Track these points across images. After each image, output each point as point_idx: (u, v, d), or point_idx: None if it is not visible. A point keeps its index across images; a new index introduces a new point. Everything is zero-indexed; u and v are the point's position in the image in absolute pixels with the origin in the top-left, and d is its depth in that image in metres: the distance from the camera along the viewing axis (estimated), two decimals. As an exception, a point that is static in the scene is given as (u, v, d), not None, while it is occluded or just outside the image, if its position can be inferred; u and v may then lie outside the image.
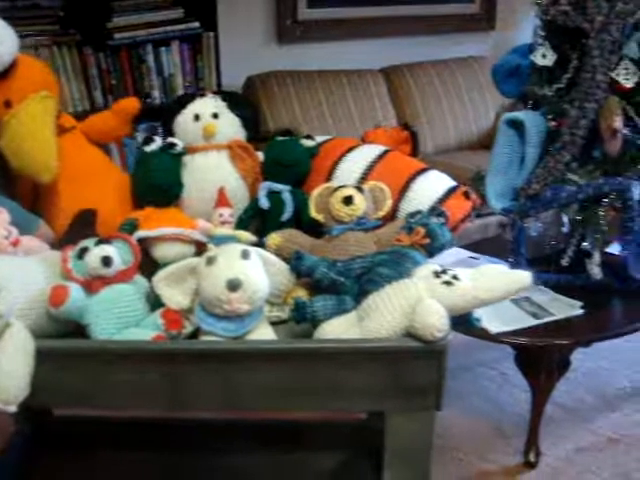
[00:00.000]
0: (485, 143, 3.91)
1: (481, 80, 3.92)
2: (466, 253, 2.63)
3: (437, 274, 1.19)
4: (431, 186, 1.52)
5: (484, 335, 2.16)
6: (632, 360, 2.91)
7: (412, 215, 1.39)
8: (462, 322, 1.24)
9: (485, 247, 2.68)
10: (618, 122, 2.10)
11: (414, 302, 1.15)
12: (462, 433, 2.52)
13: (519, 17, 4.10)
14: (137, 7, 3.30)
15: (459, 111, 3.91)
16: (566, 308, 2.25)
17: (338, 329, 1.21)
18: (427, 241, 1.32)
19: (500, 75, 2.40)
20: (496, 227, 2.73)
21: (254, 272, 1.22)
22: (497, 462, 2.38)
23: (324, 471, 1.83)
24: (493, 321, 2.17)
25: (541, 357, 2.23)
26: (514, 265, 2.37)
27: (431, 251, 1.34)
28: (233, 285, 1.18)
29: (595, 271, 2.23)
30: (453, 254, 2.65)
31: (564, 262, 2.31)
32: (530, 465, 2.35)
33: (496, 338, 2.17)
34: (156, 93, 3.38)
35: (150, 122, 2.64)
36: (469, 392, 2.74)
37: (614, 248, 2.53)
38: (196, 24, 3.40)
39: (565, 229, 2.38)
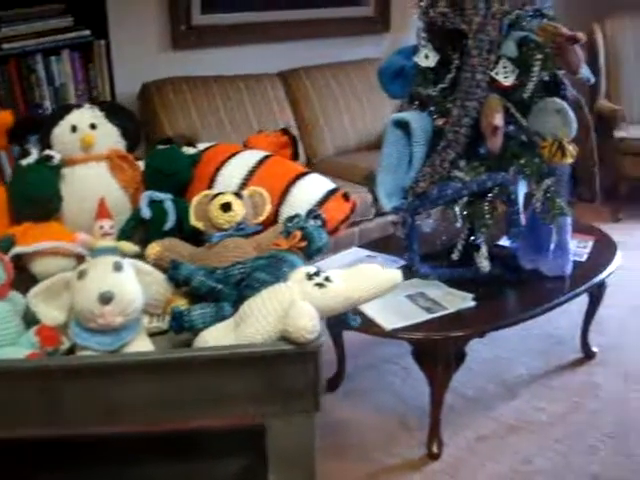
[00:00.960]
0: (381, 143, 3.98)
1: (376, 81, 3.97)
2: (364, 252, 2.68)
3: (310, 276, 1.20)
4: (310, 189, 1.54)
5: (381, 332, 2.20)
6: (527, 348, 3.01)
7: (290, 219, 1.41)
8: (339, 323, 1.26)
9: (382, 245, 2.73)
10: (498, 119, 2.17)
11: (287, 306, 1.16)
12: (368, 430, 2.55)
13: (412, 19, 4.17)
14: (26, 16, 3.20)
15: (357, 112, 3.96)
16: (459, 301, 2.32)
17: (216, 336, 1.21)
18: (304, 244, 1.34)
19: (386, 77, 2.45)
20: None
21: (127, 284, 1.21)
22: (402, 456, 2.42)
23: (225, 478, 1.83)
24: (388, 318, 2.22)
25: (437, 350, 2.29)
26: (408, 261, 2.43)
27: (309, 254, 1.36)
28: (105, 298, 1.17)
29: (483, 264, 2.30)
30: (352, 253, 2.69)
31: (454, 256, 2.37)
32: (433, 456, 2.40)
33: (392, 334, 2.21)
34: (47, 103, 3.29)
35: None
36: (374, 389, 2.78)
37: (505, 241, 2.62)
38: (87, 32, 3.33)
39: (457, 224, 2.44)
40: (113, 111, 1.68)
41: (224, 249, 1.40)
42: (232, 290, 1.30)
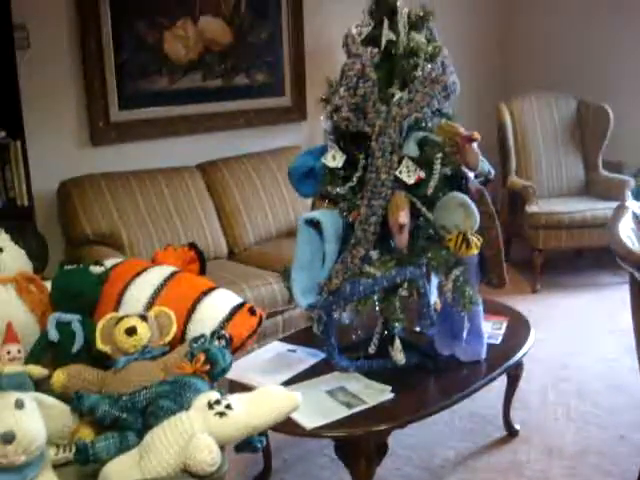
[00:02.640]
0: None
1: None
2: (284, 346, 2.71)
3: (211, 405, 1.22)
4: (216, 306, 1.58)
5: (301, 432, 2.21)
6: (453, 429, 3.05)
7: (196, 340, 1.44)
8: (244, 445, 1.28)
9: (302, 338, 2.76)
10: (403, 217, 2.25)
11: (189, 437, 1.18)
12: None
13: (321, 107, 4.31)
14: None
15: (277, 201, 4.04)
16: (378, 394, 2.35)
17: (120, 470, 1.22)
18: (207, 368, 1.36)
19: (296, 177, 2.52)
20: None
21: (28, 422, 1.22)
22: None
23: None
24: (309, 416, 2.23)
25: (359, 446, 2.30)
26: (328, 354, 2.46)
27: (213, 376, 1.38)
28: (7, 439, 1.17)
29: (398, 357, 2.35)
30: (272, 348, 2.71)
31: (371, 350, 2.42)
32: None
33: (314, 433, 2.22)
34: (-37, 207, 3.27)
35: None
36: (304, 483, 2.77)
37: (423, 328, 2.68)
38: (2, 134, 3.34)
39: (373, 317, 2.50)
40: (19, 233, 1.70)
41: (130, 374, 1.41)
42: (137, 417, 1.31)
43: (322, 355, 2.56)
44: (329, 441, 2.59)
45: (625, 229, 2.29)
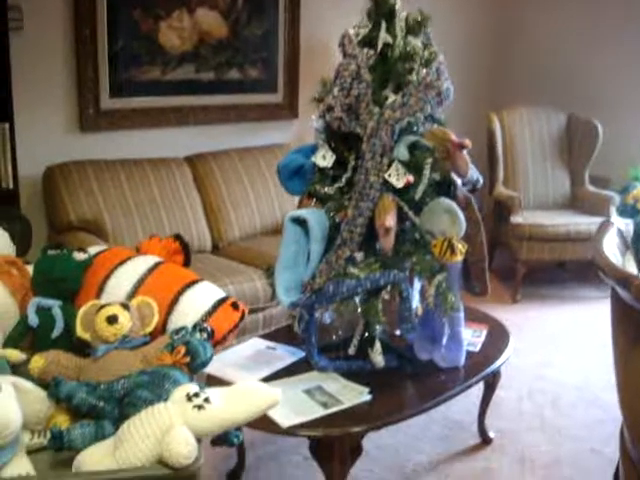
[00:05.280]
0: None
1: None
2: (264, 343, 2.70)
3: (190, 397, 1.22)
4: (199, 299, 1.57)
5: (277, 430, 2.21)
6: (428, 433, 3.06)
7: (177, 332, 1.43)
8: (221, 439, 1.28)
9: (282, 336, 2.75)
10: (389, 221, 2.26)
11: (166, 429, 1.17)
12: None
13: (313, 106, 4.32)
14: None
15: (263, 197, 4.03)
16: (355, 395, 2.35)
17: (95, 459, 1.21)
18: (187, 360, 1.35)
19: (285, 174, 2.52)
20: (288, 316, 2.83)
21: (4, 406, 1.20)
22: None
23: None
24: (285, 413, 2.23)
25: (333, 446, 2.30)
26: (307, 353, 2.46)
27: (193, 368, 1.38)
28: (-20, 422, 1.15)
29: (377, 359, 2.36)
30: (251, 345, 2.71)
31: (351, 351, 2.42)
32: None
33: (289, 432, 2.22)
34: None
35: None
36: (274, 481, 2.76)
37: (401, 332, 2.68)
38: (-10, 115, 3.31)
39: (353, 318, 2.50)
40: (3, 215, 1.68)
41: (109, 363, 1.40)
42: (114, 407, 1.30)
43: (301, 354, 2.56)
44: (304, 440, 2.59)
45: (610, 245, 2.30)
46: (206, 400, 1.21)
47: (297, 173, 2.50)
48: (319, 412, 2.26)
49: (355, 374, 2.46)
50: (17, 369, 1.49)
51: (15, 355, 1.51)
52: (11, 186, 3.35)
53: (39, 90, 3.60)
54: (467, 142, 2.34)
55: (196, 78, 4.06)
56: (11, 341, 1.58)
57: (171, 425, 1.16)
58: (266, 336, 2.80)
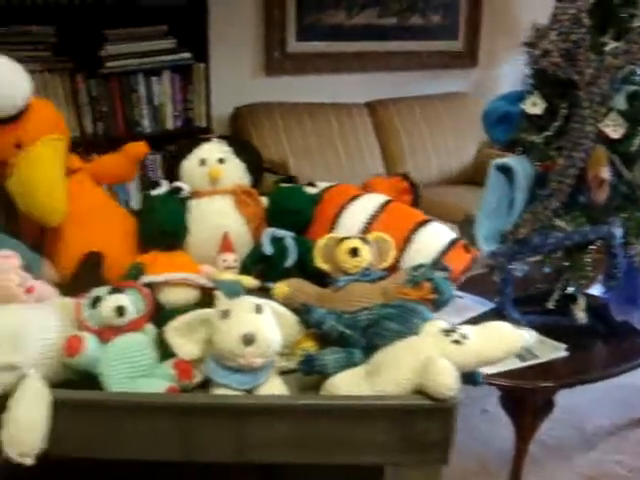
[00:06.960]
0: (465, 178, 3.99)
1: (462, 116, 4.00)
2: (452, 292, 2.68)
3: (446, 332, 1.22)
4: (433, 239, 1.56)
5: (473, 377, 2.20)
6: (610, 397, 2.97)
7: (415, 268, 1.43)
8: (466, 379, 1.27)
9: (471, 286, 2.72)
10: (605, 172, 2.17)
11: (423, 359, 1.18)
12: (447, 470, 2.54)
13: (501, 56, 4.20)
14: (130, 36, 3.32)
15: (441, 146, 3.98)
16: (551, 350, 2.31)
17: (348, 383, 1.24)
18: (434, 296, 1.36)
19: (490, 121, 2.46)
20: (481, 266, 2.79)
21: (267, 326, 1.25)
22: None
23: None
24: (480, 362, 2.22)
25: (526, 399, 2.28)
26: (499, 305, 2.43)
27: (436, 306, 1.38)
28: (248, 339, 1.21)
29: (580, 316, 2.29)
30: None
31: (550, 305, 2.37)
32: (512, 503, 2.39)
33: (485, 380, 2.21)
34: (145, 122, 3.39)
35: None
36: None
37: (596, 289, 2.60)
38: (188, 55, 3.43)
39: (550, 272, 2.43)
40: (240, 147, 1.74)
41: (351, 294, 1.42)
42: (360, 336, 1.33)
43: (490, 304, 2.53)
44: (489, 392, 2.58)
45: None
46: (463, 336, 1.21)
47: (502, 120, 2.44)
48: (515, 364, 2.23)
49: (546, 330, 2.41)
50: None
51: (249, 281, 1.56)
52: (204, 124, 3.49)
53: (229, 33, 3.70)
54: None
55: (379, 23, 4.04)
56: (244, 268, 1.64)
57: (429, 357, 1.17)
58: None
